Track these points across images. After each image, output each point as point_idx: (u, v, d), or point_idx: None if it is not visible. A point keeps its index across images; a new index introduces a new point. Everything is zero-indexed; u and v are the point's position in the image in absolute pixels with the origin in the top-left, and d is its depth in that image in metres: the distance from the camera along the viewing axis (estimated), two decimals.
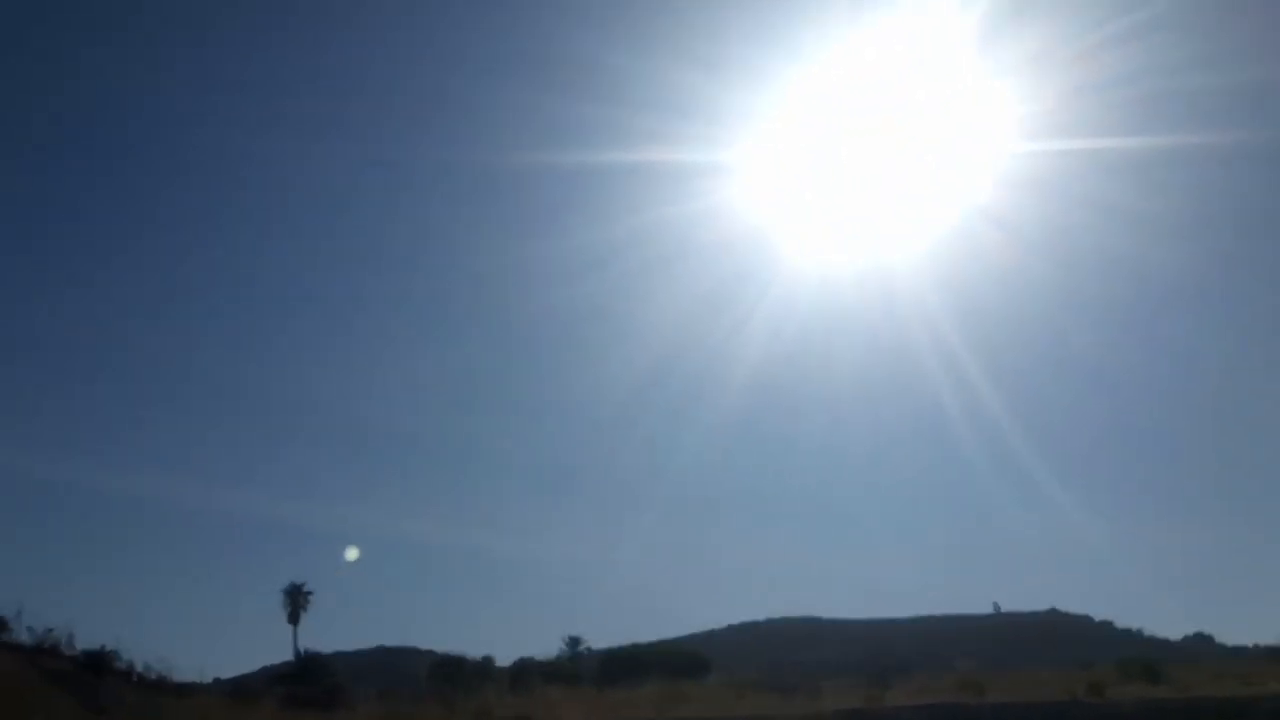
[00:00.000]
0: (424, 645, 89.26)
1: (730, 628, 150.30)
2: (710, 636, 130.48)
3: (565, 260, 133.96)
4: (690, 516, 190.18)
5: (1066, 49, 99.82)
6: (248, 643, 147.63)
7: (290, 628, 75.44)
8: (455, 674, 56.37)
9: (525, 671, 59.10)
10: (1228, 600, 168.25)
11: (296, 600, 75.77)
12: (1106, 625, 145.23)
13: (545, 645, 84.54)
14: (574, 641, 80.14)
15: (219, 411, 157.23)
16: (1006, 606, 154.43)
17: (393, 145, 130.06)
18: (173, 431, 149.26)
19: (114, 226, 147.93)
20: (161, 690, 37.62)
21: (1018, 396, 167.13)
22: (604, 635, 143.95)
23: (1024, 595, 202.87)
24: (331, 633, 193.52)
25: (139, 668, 38.60)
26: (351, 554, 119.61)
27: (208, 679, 47.76)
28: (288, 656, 70.56)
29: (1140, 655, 55.72)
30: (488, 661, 64.97)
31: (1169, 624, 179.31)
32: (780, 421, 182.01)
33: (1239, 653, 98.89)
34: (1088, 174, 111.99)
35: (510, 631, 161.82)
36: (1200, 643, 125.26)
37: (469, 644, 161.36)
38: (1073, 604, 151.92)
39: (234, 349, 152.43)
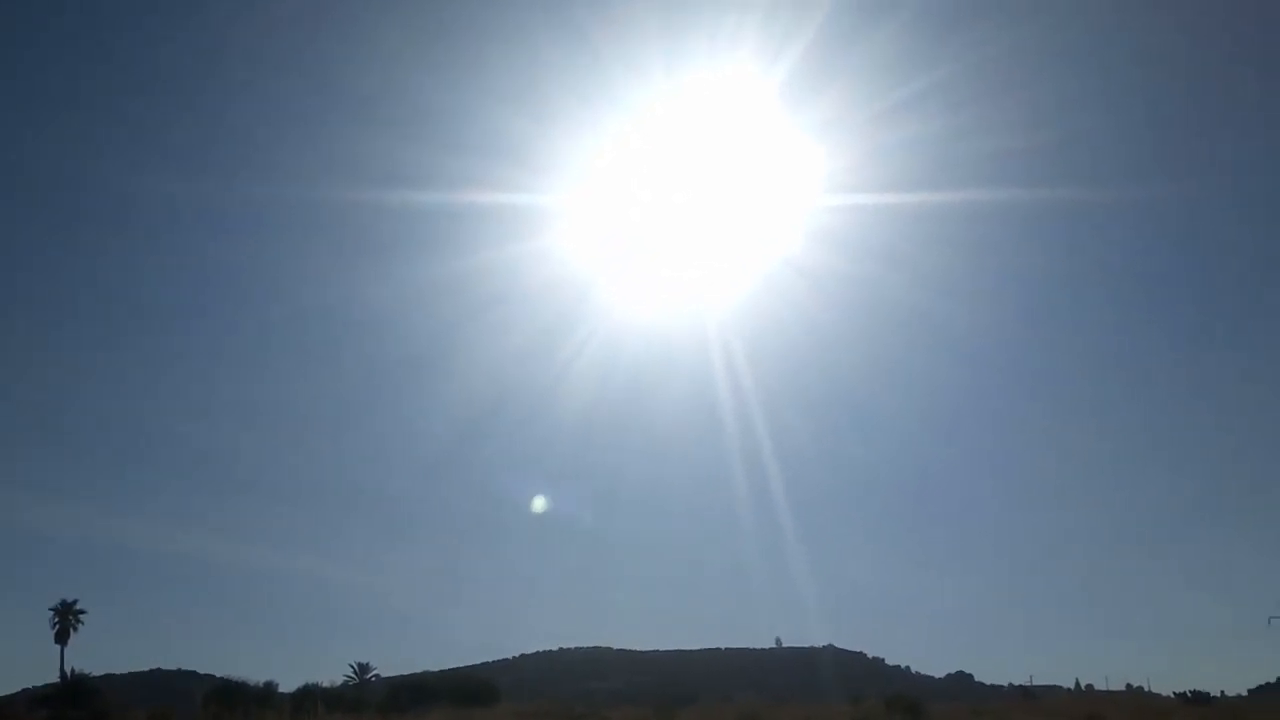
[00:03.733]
0: (203, 669, 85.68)
1: (523, 657, 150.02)
2: (502, 665, 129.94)
3: (393, 298, 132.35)
4: (485, 546, 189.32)
5: (865, 109, 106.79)
6: (8, 663, 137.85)
7: (58, 647, 71.34)
8: (234, 699, 54.36)
9: (309, 698, 57.57)
10: (986, 642, 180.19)
11: (66, 618, 71.51)
12: (878, 662, 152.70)
13: (332, 672, 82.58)
14: (363, 668, 78.48)
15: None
16: (788, 641, 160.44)
17: (219, 180, 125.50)
18: None
19: None
20: None
21: (811, 442, 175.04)
22: (394, 663, 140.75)
23: (805, 632, 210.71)
24: (103, 653, 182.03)
25: None
26: (539, 504, 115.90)
27: None
28: (53, 678, 66.64)
29: (905, 691, 59.30)
30: (270, 687, 62.77)
31: (934, 662, 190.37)
32: (586, 458, 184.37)
33: (995, 690, 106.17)
34: (884, 228, 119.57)
35: (296, 657, 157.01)
36: (961, 680, 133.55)
37: (252, 669, 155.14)
38: (849, 641, 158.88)
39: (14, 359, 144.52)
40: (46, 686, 65.57)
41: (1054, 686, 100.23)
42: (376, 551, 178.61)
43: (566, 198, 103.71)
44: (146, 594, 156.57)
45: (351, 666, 78.42)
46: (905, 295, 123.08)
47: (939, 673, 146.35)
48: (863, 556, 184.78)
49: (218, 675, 70.42)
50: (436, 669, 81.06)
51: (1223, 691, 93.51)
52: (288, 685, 67.34)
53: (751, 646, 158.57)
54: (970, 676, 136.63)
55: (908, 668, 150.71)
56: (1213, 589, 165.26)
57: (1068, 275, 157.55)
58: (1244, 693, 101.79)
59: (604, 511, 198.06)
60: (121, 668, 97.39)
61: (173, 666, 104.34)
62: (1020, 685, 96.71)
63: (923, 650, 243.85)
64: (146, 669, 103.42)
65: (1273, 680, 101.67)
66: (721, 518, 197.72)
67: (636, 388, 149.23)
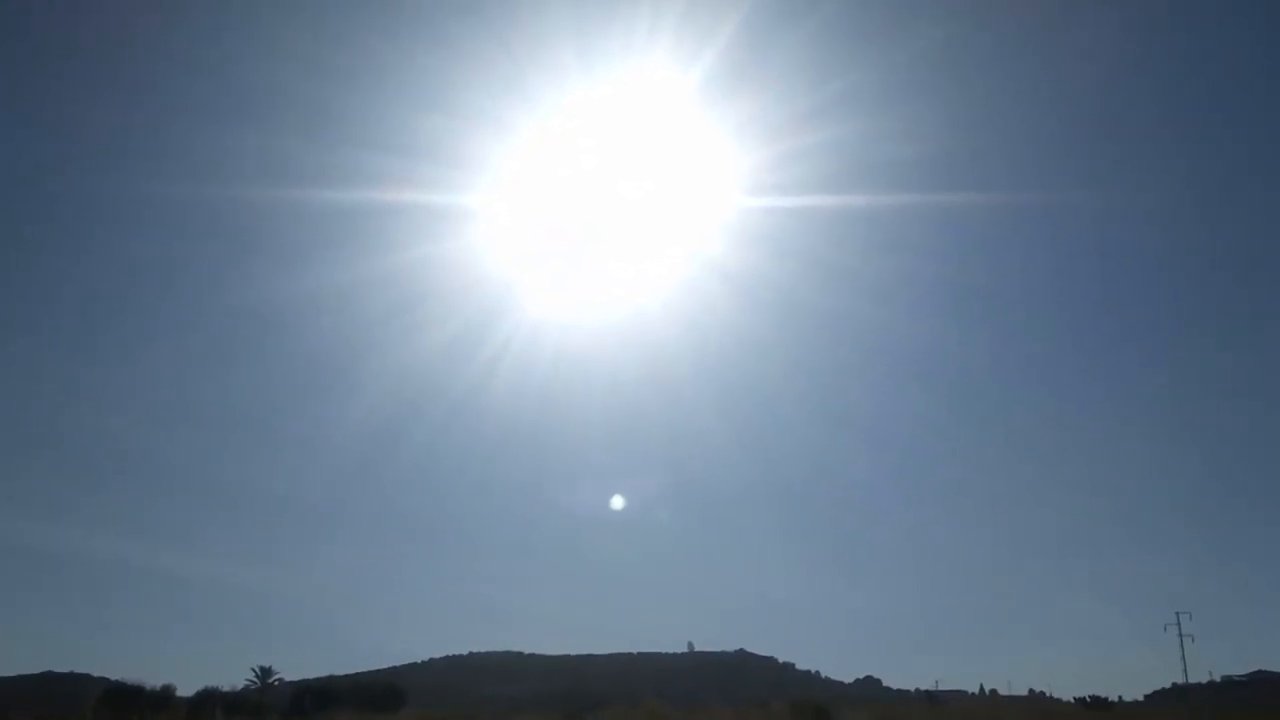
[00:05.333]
0: (97, 672, 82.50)
1: (431, 661, 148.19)
2: (410, 670, 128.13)
3: (312, 298, 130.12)
4: (399, 550, 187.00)
5: (782, 112, 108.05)
6: None
7: None
8: (128, 703, 52.51)
9: (208, 701, 55.90)
10: (894, 648, 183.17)
11: None
12: (789, 667, 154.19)
13: (234, 675, 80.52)
14: (265, 672, 76.46)
15: None
16: (700, 646, 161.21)
17: (135, 178, 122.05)
18: None
19: None
20: None
21: (727, 446, 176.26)
22: (299, 667, 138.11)
23: (717, 637, 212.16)
24: None
25: None
26: (618, 503, 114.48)
27: None
28: None
29: (815, 696, 59.82)
30: (168, 690, 60.86)
31: (843, 667, 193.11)
32: (505, 460, 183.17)
33: (902, 695, 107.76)
34: (802, 230, 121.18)
35: (197, 660, 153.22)
36: (869, 685, 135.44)
37: (149, 672, 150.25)
38: (760, 646, 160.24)
39: None
40: None
41: (959, 691, 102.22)
42: (286, 554, 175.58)
43: (486, 197, 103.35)
44: (37, 593, 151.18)
45: (254, 670, 76.39)
46: (822, 297, 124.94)
47: (848, 677, 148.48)
48: (775, 562, 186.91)
49: (112, 678, 67.94)
50: (342, 673, 79.37)
51: (1120, 697, 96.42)
52: (186, 689, 65.49)
53: (664, 651, 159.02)
54: (879, 681, 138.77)
55: (818, 672, 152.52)
56: (1112, 598, 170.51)
57: (983, 278, 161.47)
58: (1141, 698, 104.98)
59: (520, 515, 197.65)
60: (9, 670, 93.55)
61: (65, 669, 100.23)
62: (926, 690, 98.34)
63: (833, 655, 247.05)
64: (37, 671, 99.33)
65: (1168, 686, 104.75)
66: (636, 522, 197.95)
67: (556, 388, 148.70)
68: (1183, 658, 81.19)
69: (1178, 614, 79.13)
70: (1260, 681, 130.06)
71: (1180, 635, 78.59)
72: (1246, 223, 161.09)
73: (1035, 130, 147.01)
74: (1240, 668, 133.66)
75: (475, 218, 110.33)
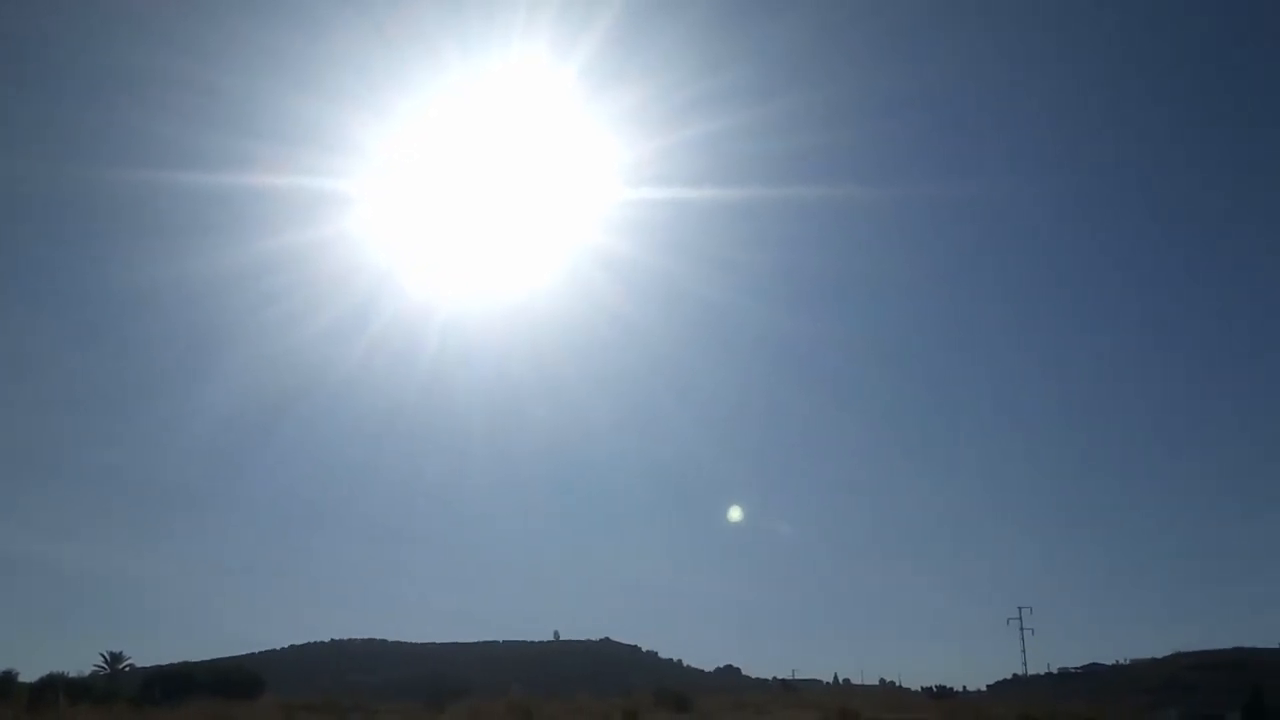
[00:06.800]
0: None
1: (292, 648, 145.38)
2: (270, 656, 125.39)
3: (185, 282, 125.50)
4: (261, 537, 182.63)
5: (662, 104, 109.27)
6: None
7: None
8: None
9: (50, 688, 53.73)
10: (754, 638, 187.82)
11: None
12: (652, 655, 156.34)
13: (82, 661, 77.78)
14: (115, 658, 73.99)
15: None
16: (566, 635, 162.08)
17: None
18: None
19: None
20: None
21: (599, 435, 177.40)
22: (153, 653, 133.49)
23: (582, 625, 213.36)
24: None
25: None
26: (734, 514, 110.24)
27: None
28: None
29: (676, 684, 60.99)
30: (9, 676, 58.28)
31: (704, 656, 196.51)
32: (385, 449, 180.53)
33: (760, 684, 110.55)
34: (681, 222, 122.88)
35: (42, 645, 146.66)
36: (729, 674, 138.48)
37: None
38: (625, 635, 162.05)
39: None
40: None
41: (814, 680, 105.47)
42: (144, 538, 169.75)
43: (365, 184, 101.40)
44: None
45: (103, 655, 73.91)
46: (702, 288, 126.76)
47: (709, 666, 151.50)
48: (642, 551, 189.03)
49: None
50: (198, 659, 77.27)
51: (964, 686, 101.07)
52: (30, 675, 62.81)
53: (529, 639, 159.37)
54: (738, 670, 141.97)
55: (680, 661, 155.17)
56: (958, 593, 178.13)
57: (863, 272, 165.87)
58: (984, 688, 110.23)
59: (394, 501, 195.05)
60: None
61: None
62: (783, 679, 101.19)
63: (694, 645, 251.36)
64: None
65: (1009, 677, 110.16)
66: (507, 511, 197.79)
67: (436, 378, 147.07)
68: (1023, 650, 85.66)
69: (1019, 609, 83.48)
70: (1093, 674, 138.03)
71: (1021, 629, 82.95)
72: (1115, 215, 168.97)
73: (921, 123, 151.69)
74: (1075, 660, 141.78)
75: (354, 204, 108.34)
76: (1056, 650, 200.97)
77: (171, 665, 67.53)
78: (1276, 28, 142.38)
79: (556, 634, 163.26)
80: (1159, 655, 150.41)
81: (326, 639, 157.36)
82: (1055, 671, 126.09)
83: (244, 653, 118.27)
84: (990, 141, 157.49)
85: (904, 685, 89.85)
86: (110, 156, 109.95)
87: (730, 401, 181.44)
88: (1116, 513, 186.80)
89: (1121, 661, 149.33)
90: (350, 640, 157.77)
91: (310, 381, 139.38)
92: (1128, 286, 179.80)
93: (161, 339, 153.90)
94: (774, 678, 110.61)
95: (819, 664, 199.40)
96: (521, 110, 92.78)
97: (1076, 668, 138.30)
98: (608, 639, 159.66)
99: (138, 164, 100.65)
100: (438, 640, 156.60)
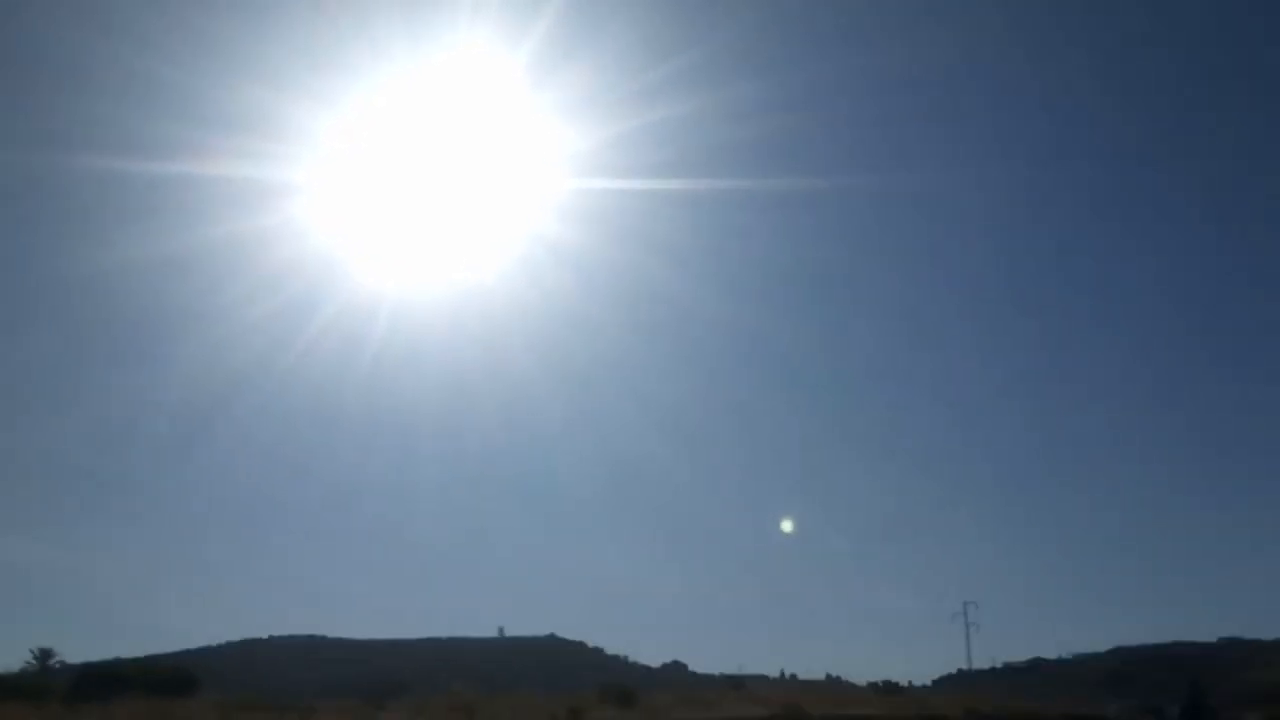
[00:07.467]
0: None
1: (228, 645, 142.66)
2: (206, 654, 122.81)
3: (131, 270, 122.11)
4: (197, 531, 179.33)
5: (611, 93, 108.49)
6: None
7: None
8: None
9: None
10: (701, 634, 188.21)
11: None
12: (598, 651, 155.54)
13: (8, 657, 75.37)
14: (44, 654, 71.65)
15: None
16: (510, 631, 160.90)
17: None
18: None
19: None
20: None
21: (546, 428, 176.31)
22: (83, 649, 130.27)
23: (527, 621, 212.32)
24: None
25: None
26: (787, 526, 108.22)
27: None
28: None
29: (621, 680, 60.37)
30: None
31: (651, 652, 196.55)
32: (326, 443, 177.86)
33: (707, 680, 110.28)
34: (632, 212, 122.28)
35: None
36: (676, 670, 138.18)
37: None
38: (570, 631, 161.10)
39: None
40: None
41: (761, 676, 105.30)
42: (74, 531, 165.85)
43: (311, 172, 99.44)
44: None
45: (31, 651, 71.54)
46: (654, 281, 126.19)
47: (655, 662, 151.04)
48: (588, 546, 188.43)
49: None
50: (131, 656, 75.23)
51: (910, 682, 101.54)
52: None
53: (473, 636, 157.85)
54: (685, 666, 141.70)
55: (626, 657, 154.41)
56: (903, 587, 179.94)
57: (817, 263, 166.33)
58: (929, 683, 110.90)
59: (336, 494, 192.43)
60: None
61: None
62: (729, 675, 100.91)
63: (641, 640, 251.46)
64: None
65: (954, 672, 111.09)
66: (452, 505, 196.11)
67: (382, 368, 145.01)
68: (968, 645, 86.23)
69: (965, 604, 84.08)
70: (1037, 668, 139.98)
71: (967, 624, 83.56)
72: (1074, 205, 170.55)
73: (876, 113, 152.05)
74: (1020, 655, 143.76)
75: (300, 192, 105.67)
76: (1001, 645, 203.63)
77: (104, 662, 65.54)
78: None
79: (501, 630, 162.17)
80: (1101, 650, 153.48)
81: (265, 635, 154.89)
82: (1000, 666, 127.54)
83: (180, 649, 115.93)
84: (952, 129, 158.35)
85: (850, 680, 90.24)
86: (51, 143, 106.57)
87: (681, 394, 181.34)
88: (1062, 510, 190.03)
89: (1065, 656, 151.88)
90: (290, 637, 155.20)
91: (253, 371, 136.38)
92: (1078, 281, 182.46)
93: (100, 326, 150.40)
94: (721, 673, 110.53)
95: (766, 660, 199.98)
96: (470, 98, 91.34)
97: (1021, 662, 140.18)
98: (553, 635, 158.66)
99: (79, 150, 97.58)
100: (380, 637, 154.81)
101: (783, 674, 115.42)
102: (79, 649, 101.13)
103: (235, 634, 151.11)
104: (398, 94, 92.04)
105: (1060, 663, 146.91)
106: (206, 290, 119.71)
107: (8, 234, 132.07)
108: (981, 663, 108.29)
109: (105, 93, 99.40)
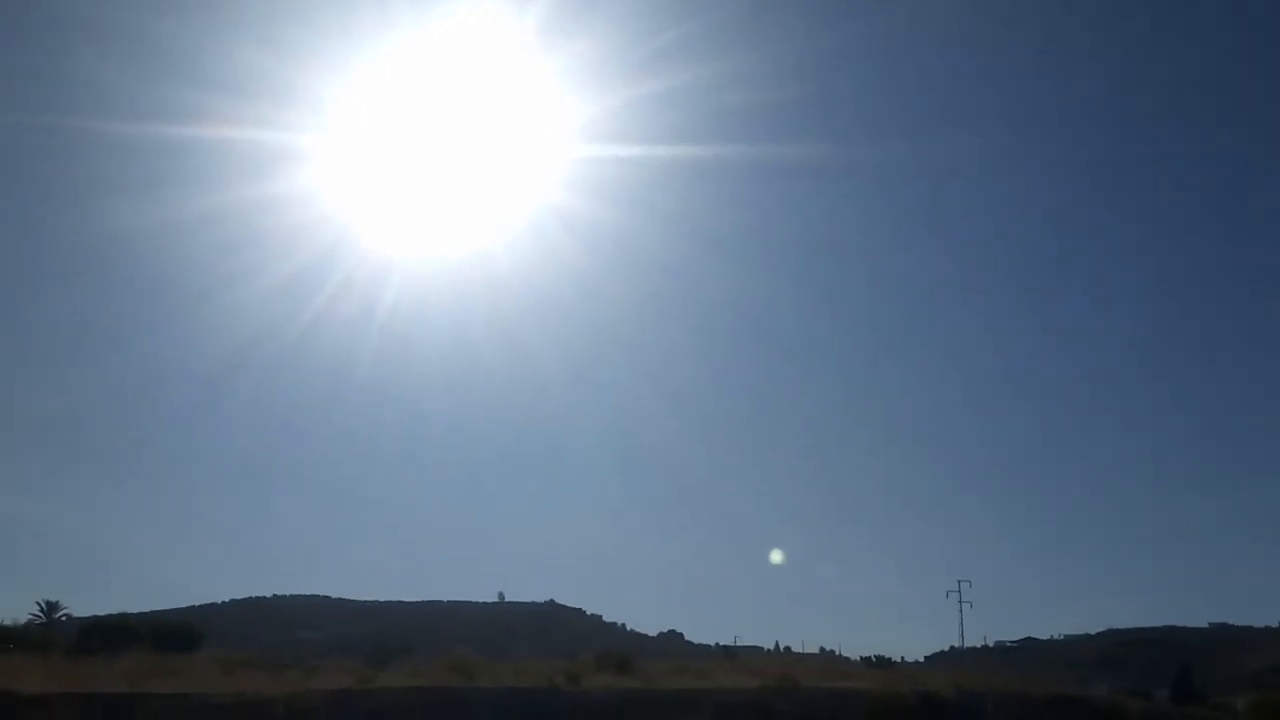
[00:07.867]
0: None
1: (232, 602, 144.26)
2: (210, 610, 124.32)
3: (141, 234, 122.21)
4: (209, 489, 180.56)
5: (621, 60, 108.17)
6: None
7: None
8: None
9: None
10: (697, 603, 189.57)
11: None
12: (596, 619, 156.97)
13: (17, 610, 76.61)
14: (51, 606, 72.79)
15: None
16: (511, 597, 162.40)
17: None
18: None
19: None
20: None
21: (550, 396, 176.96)
22: (90, 603, 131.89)
23: (527, 587, 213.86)
24: None
25: None
26: (776, 557, 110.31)
27: None
28: None
29: (619, 647, 61.26)
30: None
31: (648, 621, 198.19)
32: (338, 407, 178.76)
33: (702, 649, 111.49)
34: (641, 179, 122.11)
35: None
36: (672, 639, 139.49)
37: None
38: (569, 598, 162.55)
39: None
40: None
41: (755, 647, 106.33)
42: (87, 487, 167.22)
43: (321, 137, 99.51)
44: None
45: (39, 604, 72.66)
46: (662, 248, 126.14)
47: (652, 631, 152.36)
48: (589, 513, 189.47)
49: None
50: (137, 611, 76.30)
51: (903, 657, 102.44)
52: None
53: (473, 600, 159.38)
54: (681, 635, 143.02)
55: (624, 625, 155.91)
56: (898, 564, 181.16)
57: (823, 232, 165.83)
58: (921, 659, 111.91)
59: (342, 457, 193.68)
60: None
61: None
62: (724, 645, 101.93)
63: (639, 609, 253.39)
64: None
65: (946, 649, 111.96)
66: (456, 471, 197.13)
67: (390, 335, 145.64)
68: (960, 623, 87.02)
69: (959, 582, 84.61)
70: (1028, 647, 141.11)
71: (960, 602, 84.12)
72: (1075, 179, 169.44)
73: (883, 82, 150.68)
74: (1012, 634, 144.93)
75: (310, 158, 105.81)
76: (993, 624, 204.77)
77: (109, 616, 66.53)
78: None
79: (501, 595, 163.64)
80: (1092, 631, 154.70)
81: (269, 594, 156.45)
82: (991, 645, 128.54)
83: (185, 605, 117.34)
84: (960, 98, 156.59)
85: (844, 654, 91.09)
86: (62, 107, 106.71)
87: (686, 363, 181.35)
88: (1057, 490, 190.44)
89: (1056, 637, 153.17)
90: (293, 596, 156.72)
91: (263, 336, 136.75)
92: (1079, 260, 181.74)
93: (112, 290, 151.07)
94: (716, 643, 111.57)
95: (761, 632, 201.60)
96: (479, 65, 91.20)
97: (1012, 641, 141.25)
98: (553, 601, 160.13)
99: (90, 115, 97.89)
100: (382, 599, 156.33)
101: (777, 646, 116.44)
102: (86, 604, 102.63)
103: (240, 592, 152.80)
104: (408, 62, 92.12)
105: (1052, 643, 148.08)
106: (218, 256, 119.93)
107: (18, 199, 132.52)
108: (974, 641, 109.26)
109: (115, 57, 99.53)
